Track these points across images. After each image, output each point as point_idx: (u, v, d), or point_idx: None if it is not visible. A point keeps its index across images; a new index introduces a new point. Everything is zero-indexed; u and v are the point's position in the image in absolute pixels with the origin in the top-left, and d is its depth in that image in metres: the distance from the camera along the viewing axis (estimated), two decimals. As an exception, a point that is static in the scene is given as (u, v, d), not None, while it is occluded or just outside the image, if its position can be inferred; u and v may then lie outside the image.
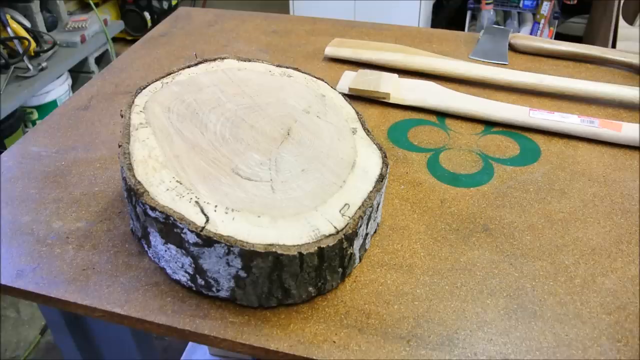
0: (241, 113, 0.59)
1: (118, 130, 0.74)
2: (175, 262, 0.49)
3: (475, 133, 0.73)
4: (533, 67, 0.88)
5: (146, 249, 0.53)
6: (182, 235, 0.46)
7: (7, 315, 1.49)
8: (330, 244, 0.46)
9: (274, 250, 0.44)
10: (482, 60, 0.90)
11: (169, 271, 0.51)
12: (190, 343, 1.24)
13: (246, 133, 0.56)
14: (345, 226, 0.47)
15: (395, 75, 0.82)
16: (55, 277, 0.52)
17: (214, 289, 0.48)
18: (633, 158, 0.68)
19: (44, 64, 1.89)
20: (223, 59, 0.68)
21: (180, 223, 0.45)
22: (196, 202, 0.47)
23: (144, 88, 0.60)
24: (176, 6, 2.79)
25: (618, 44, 1.92)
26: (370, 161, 0.55)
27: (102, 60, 2.32)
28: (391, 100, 0.78)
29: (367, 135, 0.59)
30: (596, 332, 0.47)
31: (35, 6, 1.97)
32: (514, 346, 0.46)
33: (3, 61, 1.81)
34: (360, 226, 0.49)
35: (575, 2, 2.25)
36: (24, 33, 1.88)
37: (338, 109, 0.62)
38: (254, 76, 0.65)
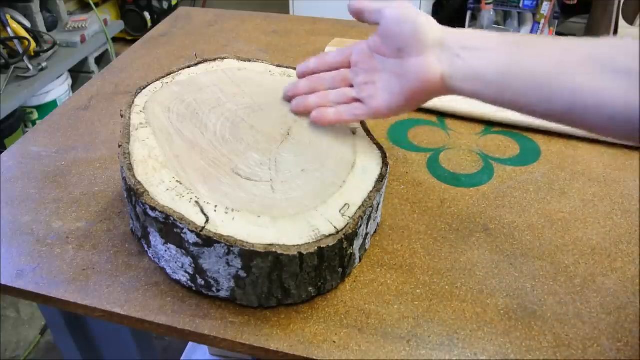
0: (241, 113, 0.59)
1: (118, 130, 0.74)
2: (175, 262, 0.49)
3: (475, 133, 0.73)
4: (533, 67, 0.88)
5: (146, 249, 0.53)
6: (182, 235, 0.46)
7: (7, 315, 1.49)
8: (330, 244, 0.46)
9: (274, 250, 0.44)
10: (482, 60, 0.90)
11: (169, 271, 0.51)
12: (190, 343, 1.24)
13: (246, 133, 0.56)
14: (345, 226, 0.47)
15: (395, 75, 0.82)
16: (55, 277, 0.52)
17: (214, 289, 0.48)
18: (633, 158, 0.68)
19: (44, 64, 1.89)
20: (223, 59, 0.68)
21: (180, 223, 0.45)
22: (196, 202, 0.47)
23: (144, 88, 0.60)
24: (176, 6, 2.79)
25: (618, 44, 1.92)
26: (370, 161, 0.55)
27: (102, 60, 2.32)
28: (391, 100, 0.78)
29: (367, 135, 0.59)
30: (596, 332, 0.47)
31: (35, 6, 1.97)
32: (514, 346, 0.46)
33: (3, 61, 1.81)
34: (360, 226, 0.49)
35: (575, 2, 2.25)
36: (24, 33, 1.87)
37: (338, 109, 0.62)
38: (254, 76, 0.65)
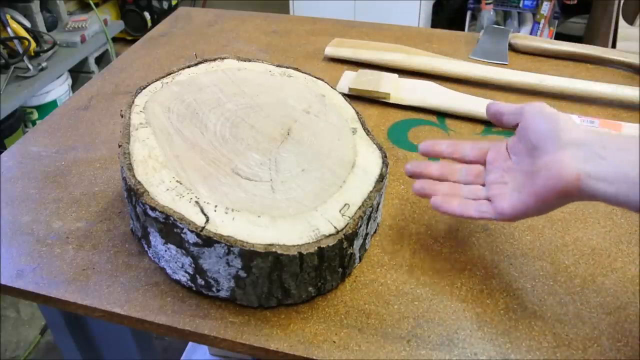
0: (241, 113, 0.59)
1: (118, 130, 0.74)
2: (175, 262, 0.49)
3: (475, 133, 0.73)
4: (533, 67, 0.88)
5: (146, 249, 0.53)
6: (182, 235, 0.46)
7: (7, 315, 1.49)
8: (330, 244, 0.46)
9: (274, 250, 0.44)
10: (482, 60, 0.90)
11: (169, 271, 0.51)
12: (190, 343, 1.24)
13: (246, 133, 0.56)
14: (345, 226, 0.47)
15: (395, 75, 0.82)
16: (55, 277, 0.52)
17: (214, 289, 0.48)
18: (633, 158, 0.68)
19: (44, 64, 1.89)
20: (223, 59, 0.68)
21: (180, 223, 0.45)
22: (196, 202, 0.47)
23: (144, 88, 0.60)
24: (176, 6, 2.78)
25: (618, 44, 1.92)
26: (370, 161, 0.55)
27: (102, 60, 2.32)
28: (391, 100, 0.78)
29: (367, 135, 0.59)
30: (596, 332, 0.47)
31: (35, 6, 1.97)
32: (514, 346, 0.46)
33: (3, 61, 1.81)
34: (360, 226, 0.49)
35: (575, 2, 2.25)
36: (24, 33, 1.87)
37: (338, 108, 0.62)
38: (254, 76, 0.65)
